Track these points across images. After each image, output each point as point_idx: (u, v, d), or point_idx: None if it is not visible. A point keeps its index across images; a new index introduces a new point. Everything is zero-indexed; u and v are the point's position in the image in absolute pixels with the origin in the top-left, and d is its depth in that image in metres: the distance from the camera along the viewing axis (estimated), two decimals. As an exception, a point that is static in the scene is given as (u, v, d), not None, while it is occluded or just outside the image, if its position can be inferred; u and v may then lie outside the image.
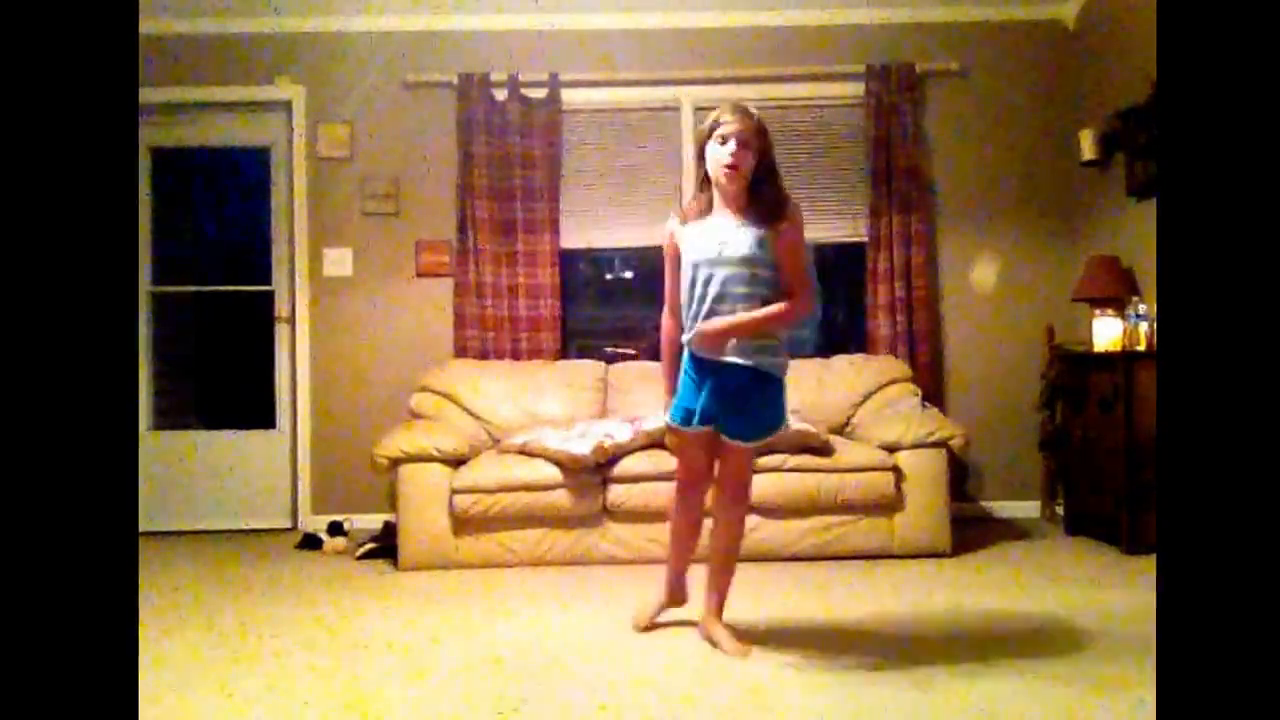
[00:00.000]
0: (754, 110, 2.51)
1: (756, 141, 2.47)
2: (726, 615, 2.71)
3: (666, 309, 2.72)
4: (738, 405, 2.54)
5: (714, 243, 2.49)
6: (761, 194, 2.51)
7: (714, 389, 2.53)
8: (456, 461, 3.86)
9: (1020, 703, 2.18)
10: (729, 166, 2.44)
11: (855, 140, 4.90)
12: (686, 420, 2.58)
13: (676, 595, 2.84)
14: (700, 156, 2.54)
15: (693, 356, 2.57)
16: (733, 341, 2.48)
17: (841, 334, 5.25)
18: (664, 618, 2.85)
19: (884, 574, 3.55)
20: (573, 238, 4.92)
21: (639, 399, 4.45)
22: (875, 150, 4.78)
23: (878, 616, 2.96)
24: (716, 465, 2.66)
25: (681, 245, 2.58)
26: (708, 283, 2.48)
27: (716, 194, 2.54)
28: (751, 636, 2.67)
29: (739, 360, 2.49)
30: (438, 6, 4.80)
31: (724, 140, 2.45)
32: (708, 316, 2.49)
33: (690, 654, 2.59)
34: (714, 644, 2.62)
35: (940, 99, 4.91)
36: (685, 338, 2.59)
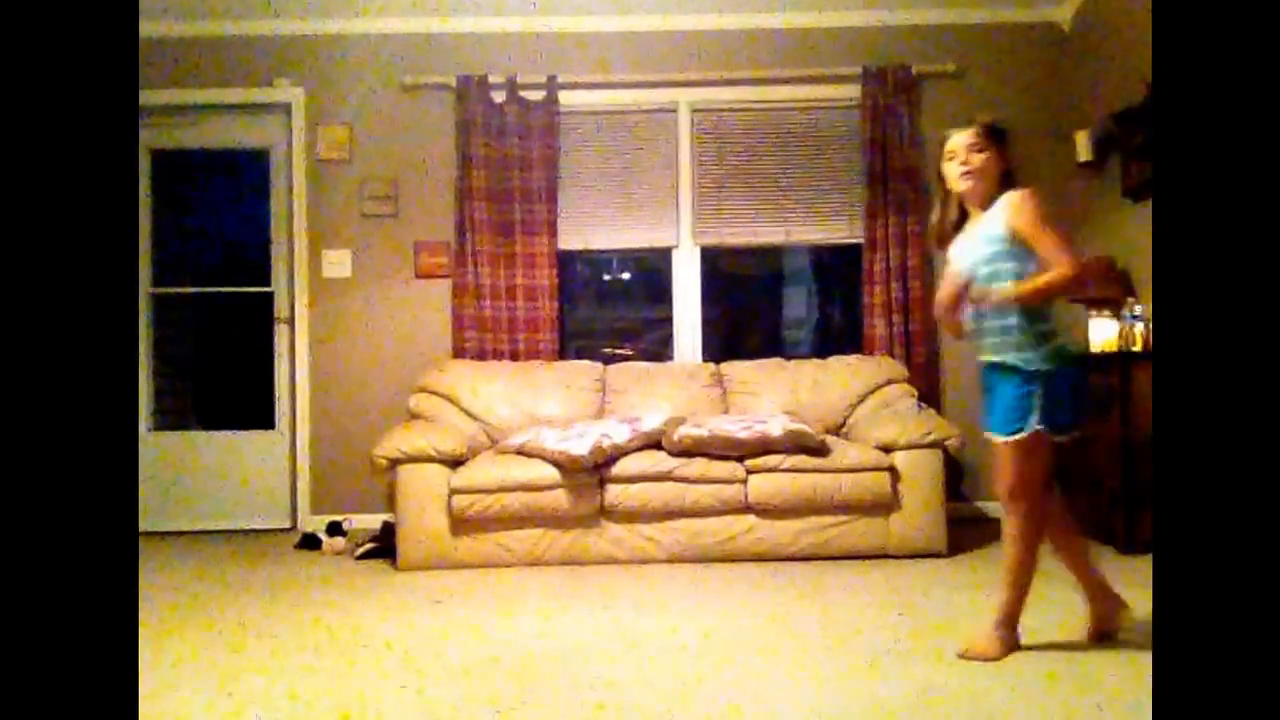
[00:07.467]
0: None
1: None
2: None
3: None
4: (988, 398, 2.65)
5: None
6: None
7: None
8: (455, 462, 3.86)
9: (1016, 703, 2.19)
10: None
11: (851, 142, 4.92)
12: None
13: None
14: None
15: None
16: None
17: (838, 335, 5.27)
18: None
19: (880, 574, 3.56)
20: (571, 239, 4.93)
21: (636, 399, 4.46)
22: (871, 152, 4.79)
23: (874, 616, 2.97)
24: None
25: None
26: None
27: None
28: (750, 637, 2.67)
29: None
30: (436, 9, 4.81)
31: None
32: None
33: (689, 654, 2.60)
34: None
35: (936, 101, 4.92)
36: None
